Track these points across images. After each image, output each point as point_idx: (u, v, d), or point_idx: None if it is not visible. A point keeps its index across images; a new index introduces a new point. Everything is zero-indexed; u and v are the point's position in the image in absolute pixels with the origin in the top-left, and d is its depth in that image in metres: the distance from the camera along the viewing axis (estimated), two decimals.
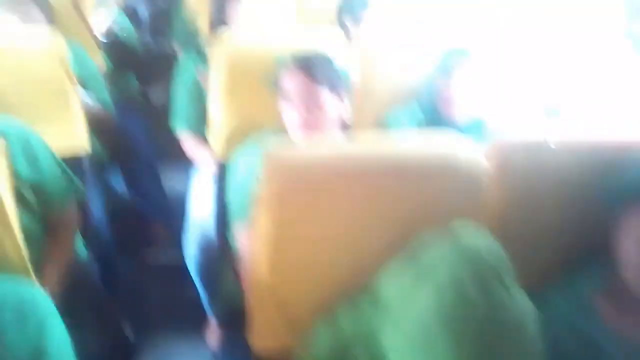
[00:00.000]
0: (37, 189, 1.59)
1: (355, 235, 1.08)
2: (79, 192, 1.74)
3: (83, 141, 1.95)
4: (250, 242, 1.10)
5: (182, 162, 2.94)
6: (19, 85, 1.82)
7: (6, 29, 2.09)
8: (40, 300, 1.08)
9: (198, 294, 2.23)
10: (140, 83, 3.37)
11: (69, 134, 1.91)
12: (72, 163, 1.86)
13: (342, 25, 2.32)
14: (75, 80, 1.91)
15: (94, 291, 1.88)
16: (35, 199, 1.58)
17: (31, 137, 1.58)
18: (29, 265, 1.22)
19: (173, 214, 2.87)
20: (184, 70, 2.28)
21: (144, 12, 4.68)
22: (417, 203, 1.09)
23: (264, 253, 1.07)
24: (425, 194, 1.09)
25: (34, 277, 1.23)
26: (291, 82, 1.60)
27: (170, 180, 3.11)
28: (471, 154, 1.13)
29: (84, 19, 2.53)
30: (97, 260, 1.99)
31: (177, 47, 3.54)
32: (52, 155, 1.64)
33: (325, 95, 1.58)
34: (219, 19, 2.24)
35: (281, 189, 1.04)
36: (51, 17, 2.26)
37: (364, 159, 1.06)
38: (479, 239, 0.95)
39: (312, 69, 1.58)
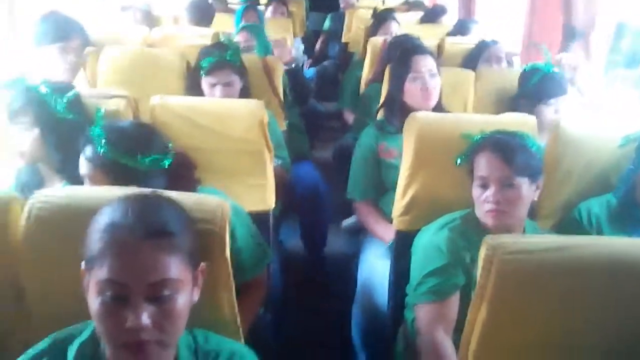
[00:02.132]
0: (231, 255, 1.68)
1: (573, 338, 1.05)
2: (268, 261, 1.83)
3: (271, 198, 2.09)
4: (467, 326, 1.10)
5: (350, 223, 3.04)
6: (223, 146, 2.02)
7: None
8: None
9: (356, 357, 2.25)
10: (310, 141, 3.55)
11: (260, 191, 2.06)
12: (259, 218, 2.01)
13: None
14: (270, 142, 2.06)
15: (267, 341, 1.96)
16: None
17: (233, 208, 1.64)
18: (239, 325, 1.32)
19: (335, 273, 2.96)
20: (364, 141, 2.38)
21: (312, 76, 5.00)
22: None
23: (477, 340, 1.07)
24: None
25: (241, 335, 1.33)
26: (487, 166, 1.61)
27: (336, 240, 3.20)
28: None
29: (272, 84, 2.73)
30: (269, 311, 2.10)
31: (346, 113, 3.70)
32: (249, 227, 1.74)
33: (522, 184, 1.58)
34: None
35: (501, 280, 1.04)
36: (248, 84, 2.48)
37: (590, 257, 1.04)
38: None
39: (512, 155, 1.58)
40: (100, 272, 1.01)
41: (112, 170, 1.50)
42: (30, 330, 1.26)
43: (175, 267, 1.04)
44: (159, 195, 1.15)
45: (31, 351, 1.12)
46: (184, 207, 1.17)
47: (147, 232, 1.02)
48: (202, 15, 3.77)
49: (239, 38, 3.24)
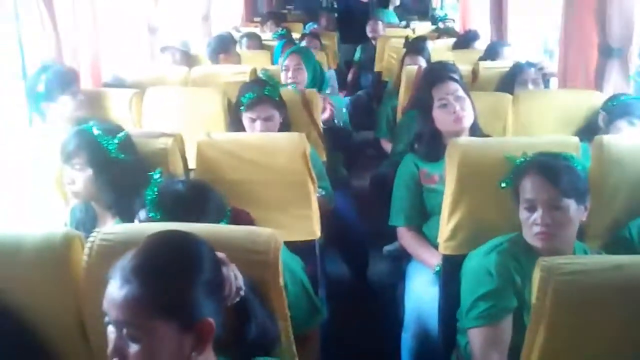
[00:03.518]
0: None
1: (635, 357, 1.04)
2: (321, 318, 1.80)
3: (316, 228, 2.12)
4: (524, 349, 1.10)
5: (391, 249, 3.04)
6: (269, 179, 2.07)
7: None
8: None
9: None
10: (347, 170, 3.59)
11: (306, 221, 2.10)
12: (306, 248, 2.04)
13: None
14: (313, 173, 2.10)
15: None
16: None
17: (287, 263, 1.57)
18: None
19: (381, 299, 2.97)
20: (405, 167, 2.40)
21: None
22: None
23: None
24: None
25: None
26: (534, 188, 1.61)
27: (379, 266, 3.21)
28: None
29: (311, 116, 2.79)
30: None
31: (383, 142, 3.73)
32: (301, 284, 1.72)
33: (570, 205, 1.57)
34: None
35: (558, 301, 1.04)
36: (288, 118, 2.54)
37: None
38: None
39: (558, 177, 1.58)
40: None
41: None
42: None
43: (136, 315, 1.05)
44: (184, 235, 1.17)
45: None
46: (235, 240, 1.20)
47: (125, 277, 1.07)
48: (223, 49, 3.87)
49: (288, 62, 3.26)
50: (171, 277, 1.07)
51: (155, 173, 1.61)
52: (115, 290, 1.06)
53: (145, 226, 1.42)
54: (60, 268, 1.38)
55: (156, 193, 1.54)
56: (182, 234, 1.16)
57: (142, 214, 1.54)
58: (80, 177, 1.89)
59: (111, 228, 1.40)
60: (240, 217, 1.66)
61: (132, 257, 1.09)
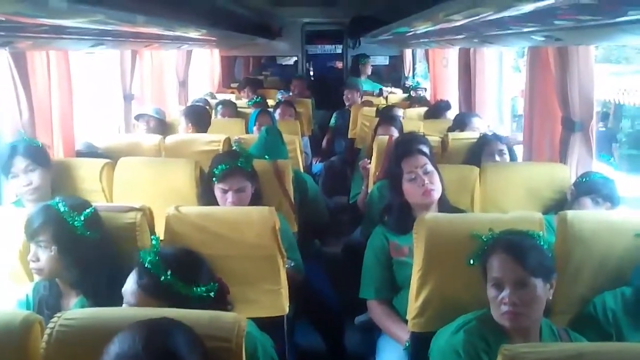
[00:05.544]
0: None
1: None
2: None
3: (285, 303, 2.10)
4: None
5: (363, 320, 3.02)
6: (237, 253, 2.05)
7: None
8: None
9: None
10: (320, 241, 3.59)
11: (275, 296, 2.08)
12: (274, 323, 2.01)
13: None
14: (282, 248, 2.10)
15: None
16: None
17: (260, 344, 1.63)
18: None
19: None
20: (375, 239, 2.41)
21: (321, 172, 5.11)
22: None
23: None
24: None
25: None
26: (501, 267, 1.63)
27: (351, 336, 3.17)
28: None
29: (283, 187, 2.81)
30: None
31: (360, 205, 3.75)
32: (271, 357, 1.70)
33: (537, 284, 1.59)
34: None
35: None
36: (260, 189, 2.55)
37: None
38: None
39: (524, 256, 1.60)
40: None
41: (166, 298, 1.49)
42: None
43: None
44: (170, 322, 1.19)
45: None
46: (199, 325, 1.20)
47: None
48: (199, 120, 3.93)
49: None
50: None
51: (154, 238, 1.66)
52: None
53: (106, 311, 1.40)
54: (18, 354, 1.34)
55: (157, 256, 1.54)
56: (169, 323, 1.18)
57: (143, 277, 1.53)
58: (44, 254, 1.86)
59: (72, 313, 1.36)
60: (221, 283, 1.66)
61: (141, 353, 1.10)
